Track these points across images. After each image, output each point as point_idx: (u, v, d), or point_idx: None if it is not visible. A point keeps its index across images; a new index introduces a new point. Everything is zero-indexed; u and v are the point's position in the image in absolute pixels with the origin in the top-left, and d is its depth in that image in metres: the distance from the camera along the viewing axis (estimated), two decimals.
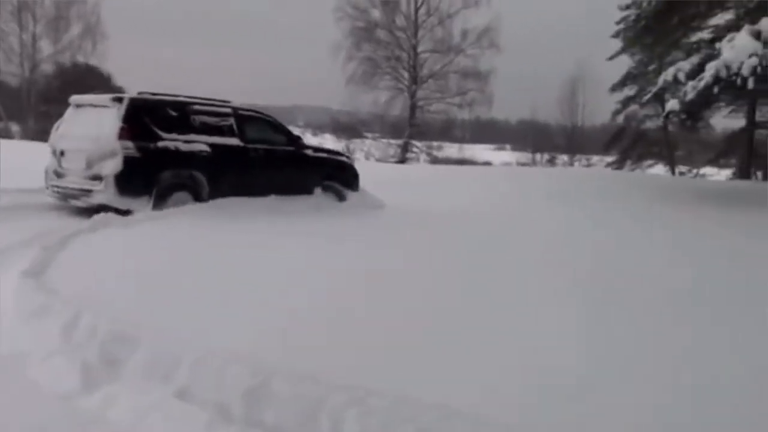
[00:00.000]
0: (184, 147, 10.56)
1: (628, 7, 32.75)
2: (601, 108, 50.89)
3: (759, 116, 35.86)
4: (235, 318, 5.29)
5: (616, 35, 34.23)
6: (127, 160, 9.94)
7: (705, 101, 19.35)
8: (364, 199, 12.78)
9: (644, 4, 28.86)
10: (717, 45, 18.33)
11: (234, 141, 11.30)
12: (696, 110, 20.31)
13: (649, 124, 43.52)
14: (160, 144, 10.32)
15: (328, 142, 49.52)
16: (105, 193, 9.94)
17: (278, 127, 12.30)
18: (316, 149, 13.17)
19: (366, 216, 11.61)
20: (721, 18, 27.67)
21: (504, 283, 6.86)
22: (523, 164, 51.11)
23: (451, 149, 49.01)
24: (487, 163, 49.65)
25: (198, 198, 10.70)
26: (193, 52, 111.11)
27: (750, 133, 34.33)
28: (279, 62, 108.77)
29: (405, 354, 4.67)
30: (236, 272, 6.85)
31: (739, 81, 16.96)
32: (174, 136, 10.50)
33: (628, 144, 45.86)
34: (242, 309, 5.54)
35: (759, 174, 36.91)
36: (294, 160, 12.16)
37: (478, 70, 40.42)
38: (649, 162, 45.98)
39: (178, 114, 10.72)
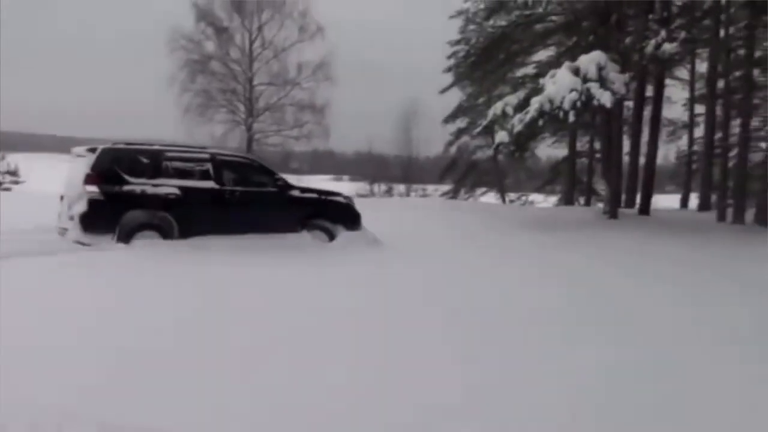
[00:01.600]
0: (150, 190, 11.38)
1: (457, 42, 34.22)
2: (434, 139, 52.32)
3: (579, 146, 38.31)
4: (68, 370, 4.85)
5: (447, 70, 35.57)
6: (91, 203, 10.97)
7: (531, 133, 20.29)
8: (356, 237, 12.66)
9: (472, 40, 30.18)
10: (541, 80, 19.30)
11: (209, 184, 11.91)
12: (523, 141, 21.22)
13: (480, 155, 45.29)
14: (126, 188, 11.23)
15: None
16: (74, 231, 11.01)
17: (261, 170, 12.82)
18: (304, 190, 13.35)
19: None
20: (543, 54, 29.36)
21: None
22: (363, 195, 51.63)
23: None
24: None
25: (167, 236, 11.39)
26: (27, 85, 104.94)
27: (572, 161, 36.53)
28: (112, 94, 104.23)
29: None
30: (79, 318, 6.33)
31: (561, 114, 17.94)
32: (143, 180, 11.37)
33: (461, 174, 47.51)
34: (76, 359, 5.10)
35: (581, 199, 39.24)
36: (276, 201, 12.47)
37: (314, 103, 40.56)
38: (482, 190, 47.83)
39: (149, 161, 11.56)
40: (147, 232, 11.34)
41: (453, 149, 46.38)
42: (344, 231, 12.73)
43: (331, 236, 12.66)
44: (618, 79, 18.39)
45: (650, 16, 22.76)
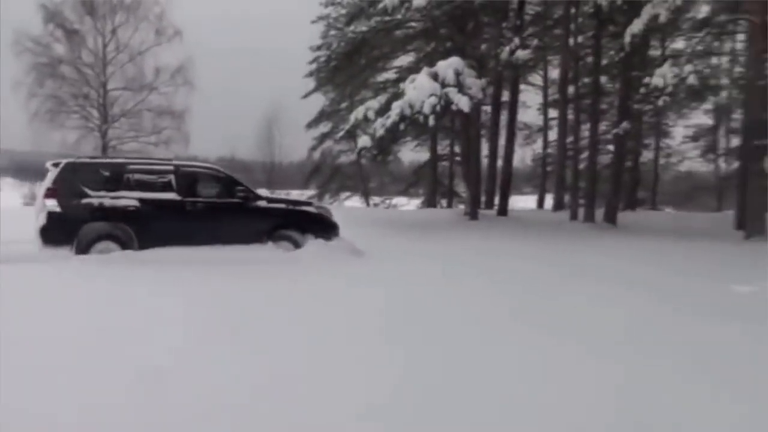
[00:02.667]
0: (108, 203, 11.61)
1: (319, 48, 34.18)
2: (298, 144, 52.07)
3: (440, 150, 39.17)
4: None
5: (309, 75, 35.48)
6: (50, 215, 11.36)
7: (393, 137, 20.48)
8: (327, 248, 12.18)
9: (334, 46, 30.25)
10: (401, 85, 19.53)
11: (170, 196, 11.98)
12: (385, 145, 21.44)
13: (344, 159, 45.51)
14: (84, 201, 11.50)
15: (8, 186, 45.75)
16: (36, 243, 11.40)
17: (227, 181, 12.56)
18: (272, 200, 13.08)
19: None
20: (404, 60, 29.87)
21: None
22: None
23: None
24: None
25: (126, 247, 11.52)
26: None
27: (434, 165, 37.31)
28: None
29: None
30: None
31: (421, 118, 18.23)
32: (102, 193, 11.61)
33: (325, 178, 47.53)
34: None
35: (444, 202, 40.14)
36: (240, 212, 12.35)
37: (173, 108, 39.47)
38: (346, 194, 48.05)
39: (110, 174, 11.82)
40: (106, 243, 11.55)
41: (317, 154, 46.37)
42: (314, 240, 12.44)
43: (297, 246, 12.38)
44: (475, 84, 18.89)
45: (504, 24, 23.56)
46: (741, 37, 29.48)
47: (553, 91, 35.82)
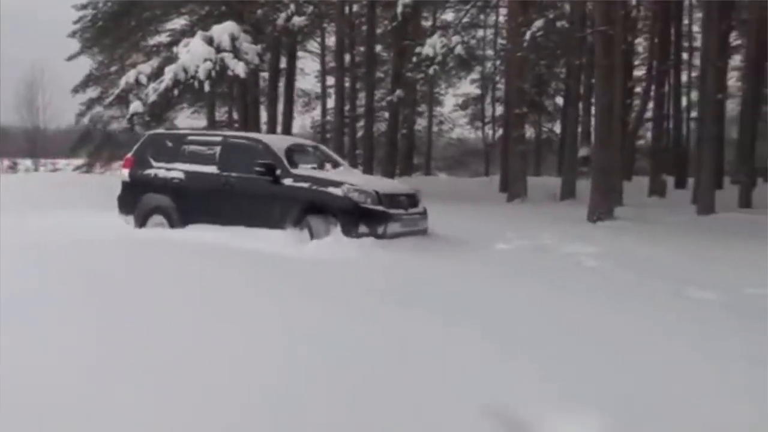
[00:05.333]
0: (161, 174, 11.32)
1: (84, 7, 32.01)
2: (65, 109, 48.48)
3: (219, 116, 38.38)
4: None
5: (72, 35, 33.16)
6: (123, 185, 11.73)
7: (167, 102, 20.05)
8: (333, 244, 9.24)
9: (100, 5, 28.53)
10: (175, 49, 19.07)
11: (210, 168, 11.00)
12: (159, 111, 20.83)
13: (116, 126, 43.19)
14: (146, 172, 11.43)
15: None
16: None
17: (264, 154, 10.62)
18: (298, 178, 10.32)
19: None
20: (177, 23, 28.83)
21: None
22: None
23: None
24: None
25: (171, 223, 11.06)
26: None
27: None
28: None
29: None
30: None
31: (196, 84, 17.89)
32: (161, 164, 11.36)
33: (95, 146, 44.90)
34: None
35: None
36: (269, 189, 10.33)
37: None
38: (120, 163, 45.77)
39: (173, 145, 11.55)
40: (159, 217, 11.26)
41: (85, 120, 43.70)
42: (339, 231, 9.62)
43: (312, 236, 9.82)
44: (251, 50, 18.73)
45: None
46: (503, 11, 31.47)
47: (330, 59, 36.20)
